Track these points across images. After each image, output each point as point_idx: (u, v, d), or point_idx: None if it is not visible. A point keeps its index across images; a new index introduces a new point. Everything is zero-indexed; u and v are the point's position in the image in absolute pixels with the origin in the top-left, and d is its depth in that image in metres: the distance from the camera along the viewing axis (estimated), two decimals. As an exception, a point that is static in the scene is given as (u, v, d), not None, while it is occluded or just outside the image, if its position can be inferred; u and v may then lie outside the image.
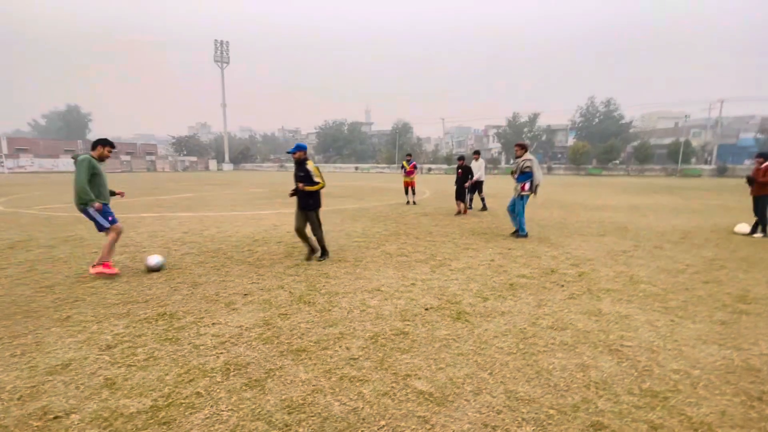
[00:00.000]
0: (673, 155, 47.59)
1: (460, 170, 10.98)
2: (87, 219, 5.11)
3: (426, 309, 3.89)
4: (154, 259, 5.17)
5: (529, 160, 7.38)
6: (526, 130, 65.09)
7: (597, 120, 62.17)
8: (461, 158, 11.14)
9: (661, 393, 2.53)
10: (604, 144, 53.06)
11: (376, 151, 76.30)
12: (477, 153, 11.62)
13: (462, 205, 10.79)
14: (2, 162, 48.44)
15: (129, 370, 2.75)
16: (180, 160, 67.66)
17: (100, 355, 2.97)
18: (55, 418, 2.25)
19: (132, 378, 2.66)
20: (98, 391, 2.51)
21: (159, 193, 18.31)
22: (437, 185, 25.36)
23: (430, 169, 57.47)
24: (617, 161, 52.43)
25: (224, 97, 70.35)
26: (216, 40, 68.67)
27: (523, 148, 7.54)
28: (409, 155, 13.51)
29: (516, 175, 7.65)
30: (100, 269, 4.85)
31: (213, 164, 70.62)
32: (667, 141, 53.37)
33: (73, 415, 2.27)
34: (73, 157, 4.72)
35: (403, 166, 13.31)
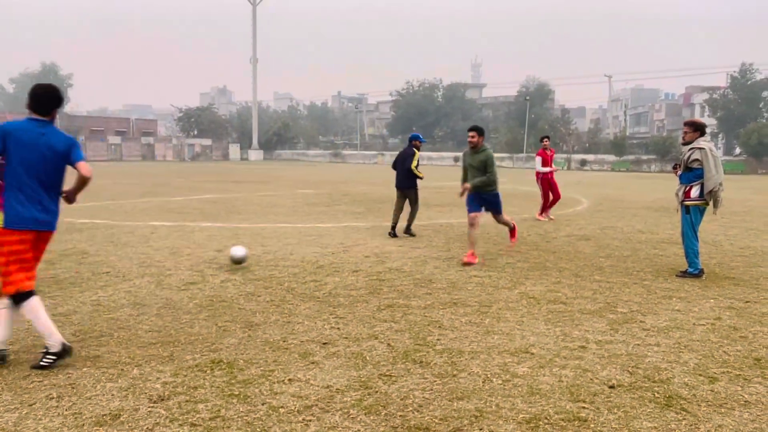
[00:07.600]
0: None
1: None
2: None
3: (610, 387, 4.01)
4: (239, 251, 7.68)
5: (700, 149, 7.16)
6: (765, 94, 60.23)
7: None
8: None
9: None
10: None
11: (490, 131, 75.80)
12: (696, 127, 9.79)
13: None
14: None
15: (195, 430, 3.31)
16: (188, 144, 74.30)
17: (153, 407, 3.59)
18: (119, 480, 2.83)
19: (200, 441, 3.20)
20: (162, 453, 3.08)
21: (166, 193, 20.46)
22: (600, 189, 24.78)
23: (584, 162, 56.19)
24: None
25: (255, 50, 76.25)
26: (247, -37, 75.07)
27: (697, 129, 7.39)
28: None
29: (679, 172, 7.51)
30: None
31: (235, 150, 76.40)
32: None
33: (139, 480, 2.83)
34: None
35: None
